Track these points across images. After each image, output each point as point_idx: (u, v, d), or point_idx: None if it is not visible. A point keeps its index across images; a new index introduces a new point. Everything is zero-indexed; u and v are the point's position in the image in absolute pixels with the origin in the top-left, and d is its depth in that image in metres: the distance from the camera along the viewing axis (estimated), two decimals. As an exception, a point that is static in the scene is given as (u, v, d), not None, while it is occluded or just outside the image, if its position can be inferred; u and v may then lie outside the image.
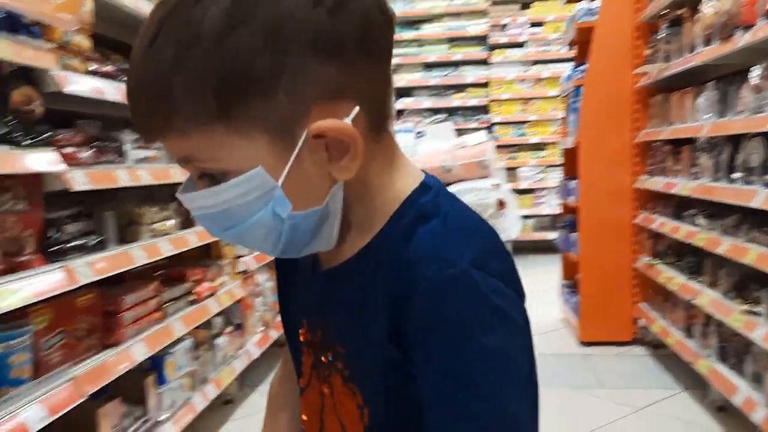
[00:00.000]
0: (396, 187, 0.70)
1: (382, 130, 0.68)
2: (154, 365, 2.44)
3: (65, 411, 1.77)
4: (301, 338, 0.84)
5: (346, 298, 0.72)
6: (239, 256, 3.48)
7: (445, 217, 0.66)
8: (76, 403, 1.83)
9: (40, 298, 1.74)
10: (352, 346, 0.72)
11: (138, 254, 2.29)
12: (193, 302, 2.83)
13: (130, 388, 2.29)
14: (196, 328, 2.83)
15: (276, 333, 3.89)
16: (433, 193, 0.69)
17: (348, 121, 0.62)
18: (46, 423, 1.68)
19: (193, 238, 2.76)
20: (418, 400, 0.63)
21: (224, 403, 3.23)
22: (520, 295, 0.66)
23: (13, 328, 1.73)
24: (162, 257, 2.49)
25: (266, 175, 0.62)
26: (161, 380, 2.44)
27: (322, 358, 0.79)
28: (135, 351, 2.23)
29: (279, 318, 3.96)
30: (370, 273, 0.68)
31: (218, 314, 3.11)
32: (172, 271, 2.82)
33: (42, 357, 1.85)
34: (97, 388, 1.95)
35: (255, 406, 3.31)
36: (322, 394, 0.80)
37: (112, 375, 2.06)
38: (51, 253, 1.92)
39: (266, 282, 3.87)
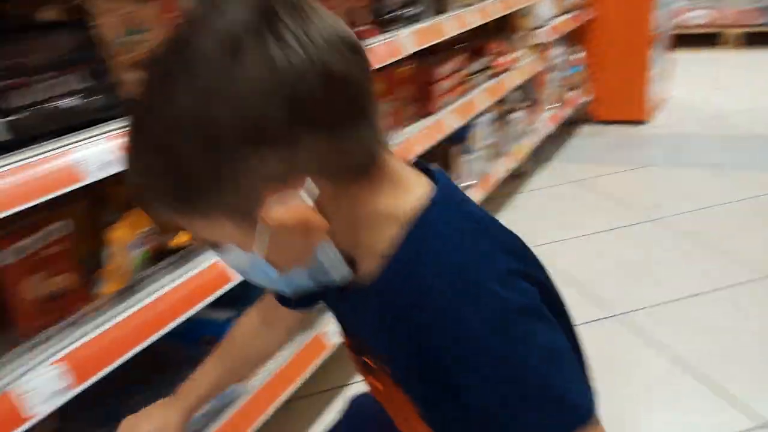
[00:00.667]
0: (400, 210, 0.67)
1: (364, 170, 0.64)
2: (461, 135, 2.58)
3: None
4: (346, 344, 0.88)
5: (368, 320, 0.73)
6: (535, 28, 3.32)
7: (453, 231, 0.66)
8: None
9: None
10: (392, 364, 0.73)
11: (450, 25, 2.29)
12: (492, 76, 2.84)
13: (440, 158, 2.47)
14: (495, 102, 2.87)
15: (568, 110, 3.80)
16: (438, 209, 0.67)
17: (305, 198, 0.60)
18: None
19: (497, 7, 2.67)
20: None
21: (517, 176, 3.36)
22: (537, 280, 0.67)
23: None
24: (469, 28, 2.47)
25: (239, 251, 0.65)
26: (467, 150, 2.58)
27: (365, 359, 0.82)
28: (446, 120, 2.37)
29: (570, 94, 3.84)
30: (386, 297, 0.67)
31: (515, 89, 3.10)
32: (474, 44, 2.81)
33: (374, 122, 2.06)
34: (419, 153, 2.14)
35: (544, 180, 3.39)
36: (377, 387, 0.82)
37: (429, 142, 2.23)
38: (381, 23, 2.02)
39: (560, 56, 3.69)
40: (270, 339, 1.05)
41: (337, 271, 0.69)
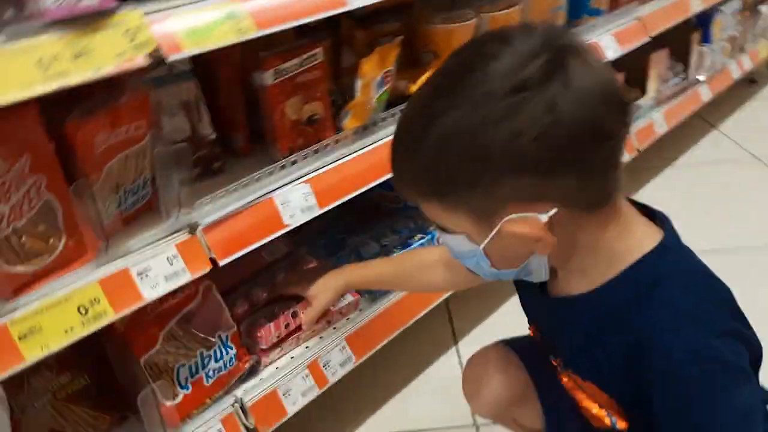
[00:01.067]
0: (628, 243, 0.74)
1: (599, 205, 0.72)
2: (702, 22, 2.28)
3: (631, 47, 1.82)
4: (530, 333, 0.98)
5: (575, 330, 0.81)
6: None
7: (679, 285, 0.72)
8: (641, 42, 1.86)
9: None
10: (581, 370, 0.82)
11: None
12: (747, -43, 2.45)
13: (677, 44, 2.21)
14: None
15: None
16: (670, 257, 0.74)
17: (543, 218, 0.68)
18: (618, 55, 1.76)
19: None
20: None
21: (749, 81, 2.96)
22: (746, 339, 0.71)
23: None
24: None
25: (468, 243, 0.75)
26: (706, 39, 2.29)
27: (552, 361, 0.90)
28: (691, 1, 2.09)
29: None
30: (600, 319, 0.76)
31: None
32: None
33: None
34: (653, 34, 1.94)
35: (781, 90, 2.96)
36: (563, 378, 0.88)
37: (669, 22, 2.00)
38: None
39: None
40: (442, 278, 1.13)
41: (538, 277, 0.79)
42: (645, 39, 1.89)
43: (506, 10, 1.49)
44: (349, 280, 1.21)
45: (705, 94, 2.34)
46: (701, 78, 2.30)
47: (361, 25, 1.43)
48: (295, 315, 1.22)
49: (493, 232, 0.70)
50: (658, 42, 2.17)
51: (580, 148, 0.65)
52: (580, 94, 0.63)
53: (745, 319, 0.73)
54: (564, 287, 0.81)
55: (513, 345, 1.09)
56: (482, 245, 0.73)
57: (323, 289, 1.20)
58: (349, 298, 1.34)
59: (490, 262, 0.76)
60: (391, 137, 0.76)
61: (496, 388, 1.06)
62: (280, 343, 1.22)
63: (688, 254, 0.77)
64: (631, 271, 0.73)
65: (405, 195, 0.77)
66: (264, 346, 1.20)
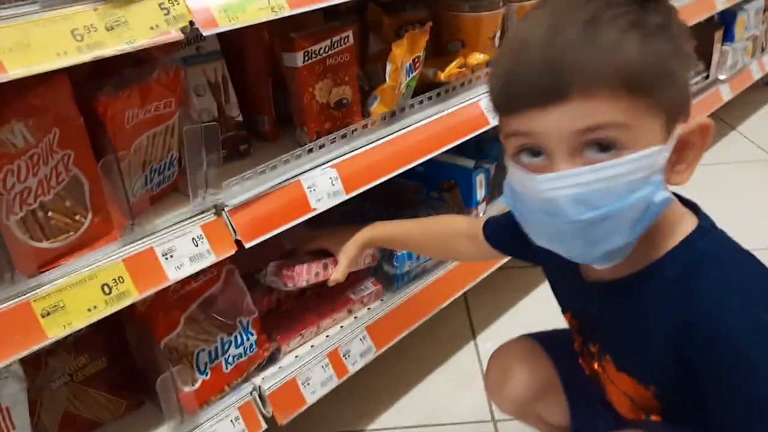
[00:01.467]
0: (669, 221, 0.74)
1: None
2: (724, 21, 2.26)
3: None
4: (567, 321, 0.94)
5: (621, 314, 0.79)
6: None
7: (727, 262, 0.72)
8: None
9: None
10: (624, 358, 0.81)
11: None
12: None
13: (700, 42, 2.18)
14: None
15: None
16: (712, 237, 0.75)
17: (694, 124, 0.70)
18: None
19: None
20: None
21: (766, 84, 2.93)
22: None
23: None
24: None
25: (659, 157, 0.67)
26: (729, 37, 2.26)
27: (591, 348, 0.88)
28: (716, 0, 2.07)
29: None
30: (647, 300, 0.75)
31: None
32: None
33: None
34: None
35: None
36: (595, 369, 0.88)
37: (694, 18, 1.97)
38: None
39: None
40: (462, 248, 1.12)
41: (626, 250, 0.73)
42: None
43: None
44: (374, 235, 1.16)
45: (726, 93, 2.32)
46: (722, 77, 2.28)
47: (387, 11, 1.40)
48: (326, 267, 1.18)
49: (676, 134, 0.67)
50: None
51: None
52: None
53: None
54: (603, 272, 0.78)
55: (538, 337, 1.07)
56: (665, 156, 0.67)
57: (349, 242, 1.15)
58: (371, 287, 1.32)
59: (667, 191, 0.69)
60: (549, 45, 0.64)
61: (521, 382, 1.03)
62: (299, 330, 1.20)
63: (725, 235, 0.76)
64: (677, 252, 0.72)
65: (589, 102, 0.64)
66: (291, 286, 1.15)
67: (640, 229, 0.69)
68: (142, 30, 0.83)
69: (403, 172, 1.56)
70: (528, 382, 1.03)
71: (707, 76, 2.24)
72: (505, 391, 1.05)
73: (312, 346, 1.21)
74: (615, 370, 0.82)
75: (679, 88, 0.68)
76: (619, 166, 0.65)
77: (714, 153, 2.42)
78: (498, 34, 1.43)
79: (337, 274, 1.14)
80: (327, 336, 1.24)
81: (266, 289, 1.22)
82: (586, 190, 0.66)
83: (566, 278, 0.85)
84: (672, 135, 0.68)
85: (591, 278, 0.82)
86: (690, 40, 0.70)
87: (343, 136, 1.18)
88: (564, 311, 0.95)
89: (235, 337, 1.09)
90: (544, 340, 1.06)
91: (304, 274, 1.15)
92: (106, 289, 0.88)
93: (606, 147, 0.65)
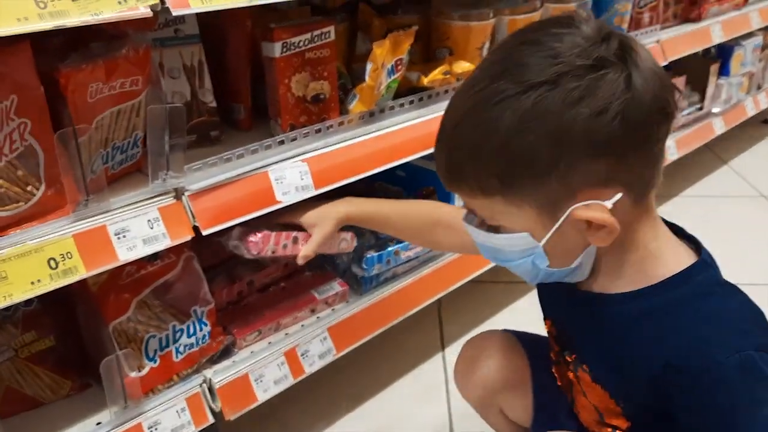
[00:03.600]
0: (662, 248, 0.75)
1: (644, 198, 0.72)
2: (721, 55, 2.26)
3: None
4: (547, 329, 0.94)
5: (601, 330, 0.79)
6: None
7: (723, 299, 0.73)
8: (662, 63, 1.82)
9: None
10: (600, 370, 0.80)
11: None
12: (774, -5, 2.42)
13: (695, 74, 2.18)
14: (765, 29, 2.47)
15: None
16: (710, 272, 0.75)
17: (609, 204, 0.68)
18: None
19: None
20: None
21: (763, 122, 2.93)
22: None
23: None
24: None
25: (531, 239, 0.72)
26: (725, 72, 2.26)
27: (567, 357, 0.87)
28: (712, 31, 2.06)
29: None
30: (633, 321, 0.75)
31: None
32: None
33: (635, 13, 1.84)
34: (670, 59, 1.91)
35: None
36: (569, 378, 0.87)
37: (689, 49, 1.97)
38: None
39: None
40: (441, 237, 1.10)
41: (581, 275, 0.77)
42: (662, 63, 1.85)
43: (527, 14, 1.46)
44: (352, 212, 1.11)
45: (718, 126, 2.31)
46: (716, 110, 2.27)
47: (379, 13, 1.39)
48: (295, 241, 1.10)
49: (560, 221, 0.68)
50: (677, 70, 2.15)
51: (650, 126, 0.66)
52: (648, 73, 0.65)
53: None
54: (594, 284, 0.79)
55: (519, 335, 1.06)
56: (545, 239, 0.70)
57: (323, 218, 1.10)
58: (337, 287, 1.29)
59: (548, 260, 0.73)
60: (440, 132, 0.71)
61: (494, 367, 1.02)
62: (258, 326, 1.18)
63: (720, 273, 0.77)
64: (673, 282, 0.73)
65: (461, 191, 0.73)
66: (255, 254, 1.07)
67: (545, 277, 0.76)
68: (109, 3, 0.81)
69: (385, 177, 1.55)
70: (500, 370, 1.02)
71: (701, 108, 2.23)
72: (476, 373, 1.04)
73: (269, 343, 1.19)
74: (590, 379, 0.81)
75: (552, 180, 0.65)
76: (496, 240, 0.74)
77: (704, 186, 2.41)
78: (487, 45, 1.42)
79: (307, 249, 1.09)
80: (286, 334, 1.21)
81: (228, 281, 1.20)
82: (483, 245, 0.78)
83: (555, 286, 0.83)
84: (561, 215, 0.68)
85: (581, 288, 0.81)
86: (607, 113, 0.63)
87: (318, 131, 1.17)
88: (545, 318, 0.94)
89: (188, 327, 1.07)
90: (525, 339, 1.06)
91: (271, 243, 1.07)
92: (53, 264, 0.86)
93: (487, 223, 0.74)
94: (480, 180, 0.68)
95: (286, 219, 1.13)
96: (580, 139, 0.63)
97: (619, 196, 0.67)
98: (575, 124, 0.63)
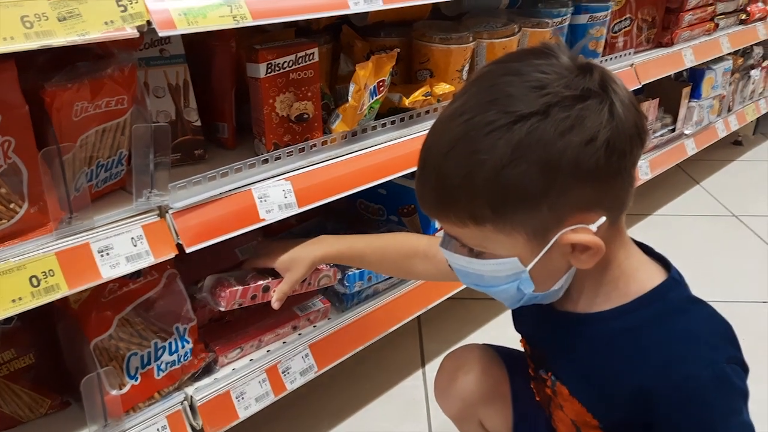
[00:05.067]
0: (635, 266, 0.78)
1: (618, 219, 0.75)
2: (693, 78, 2.33)
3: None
4: (522, 346, 0.97)
5: (577, 349, 0.81)
6: (802, -20, 2.87)
7: (693, 315, 0.75)
8: (631, 89, 1.88)
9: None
10: (576, 387, 0.82)
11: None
12: (742, 22, 2.50)
13: (668, 97, 2.25)
14: (735, 53, 2.55)
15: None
16: (681, 289, 0.78)
17: (594, 227, 0.70)
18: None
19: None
20: None
21: (733, 143, 3.01)
22: (745, 369, 0.74)
23: (597, 1, 1.77)
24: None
25: (518, 264, 0.73)
26: (696, 95, 2.33)
27: (542, 375, 0.89)
28: (684, 55, 2.13)
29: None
30: (609, 340, 0.77)
31: (759, 43, 2.73)
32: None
33: (609, 38, 1.90)
34: (644, 82, 1.96)
35: (764, 153, 3.01)
36: (547, 393, 0.89)
37: (661, 73, 2.03)
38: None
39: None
40: (419, 268, 1.12)
41: (555, 296, 0.79)
42: (636, 86, 1.91)
43: (505, 38, 1.50)
44: (326, 253, 1.14)
45: (690, 147, 2.37)
46: (688, 132, 2.34)
47: (362, 35, 1.42)
48: (266, 289, 1.13)
49: (548, 246, 0.70)
50: (650, 93, 2.21)
51: (630, 152, 0.69)
52: (627, 102, 0.69)
53: (741, 348, 0.76)
54: (569, 304, 0.81)
55: (499, 350, 1.08)
56: (532, 263, 0.72)
57: (297, 261, 1.12)
58: (319, 305, 1.30)
59: (533, 285, 0.74)
60: (424, 161, 0.72)
61: (473, 380, 1.04)
62: (239, 343, 1.18)
63: (689, 290, 0.80)
64: (646, 300, 0.76)
65: (448, 220, 0.72)
66: (223, 307, 1.10)
67: (528, 302, 0.78)
68: (95, 24, 0.82)
69: (367, 195, 1.57)
70: (479, 383, 1.03)
71: (673, 130, 2.29)
72: (456, 386, 1.05)
73: (251, 360, 1.19)
74: (567, 393, 0.83)
75: (543, 207, 0.67)
76: (479, 266, 0.75)
77: (676, 205, 2.47)
78: (466, 68, 1.46)
79: (277, 295, 1.12)
80: (268, 351, 1.22)
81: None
82: (464, 270, 0.78)
83: (532, 306, 0.84)
84: (550, 241, 0.70)
85: (556, 308, 0.83)
86: (593, 145, 0.66)
87: (301, 150, 1.18)
88: (521, 336, 0.96)
89: (170, 344, 1.07)
90: (504, 353, 1.08)
91: (237, 297, 1.11)
92: (35, 281, 0.86)
93: (472, 249, 0.75)
94: (472, 209, 0.69)
95: (260, 263, 1.16)
96: (570, 167, 0.65)
97: (603, 219, 0.70)
98: (566, 153, 0.65)
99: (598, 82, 0.67)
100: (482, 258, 0.74)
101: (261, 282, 1.13)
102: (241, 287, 1.11)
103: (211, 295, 1.12)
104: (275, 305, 1.12)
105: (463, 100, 0.71)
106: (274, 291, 1.13)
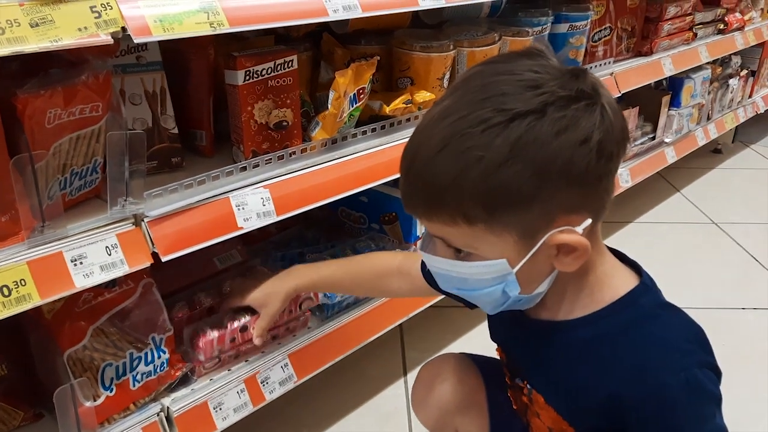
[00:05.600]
0: (609, 271, 0.78)
1: (597, 224, 0.75)
2: (672, 87, 2.35)
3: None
4: (498, 354, 0.97)
5: (551, 358, 0.81)
6: (778, -9, 2.92)
7: (666, 320, 0.75)
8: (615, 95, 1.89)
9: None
10: (552, 395, 0.82)
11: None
12: (720, 31, 2.54)
13: (648, 105, 2.27)
14: (713, 62, 2.59)
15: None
16: (652, 295, 0.78)
17: (580, 230, 0.70)
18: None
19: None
20: None
21: (713, 151, 3.05)
22: (718, 373, 0.74)
23: (577, 10, 1.79)
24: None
25: (506, 266, 0.72)
26: (676, 103, 2.35)
27: (519, 383, 0.89)
28: (663, 65, 2.16)
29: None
30: (583, 347, 0.77)
31: (737, 53, 2.77)
32: (708, -8, 2.53)
33: (589, 47, 1.91)
34: (624, 91, 1.98)
35: (743, 161, 3.05)
36: (523, 401, 0.90)
37: (641, 82, 2.05)
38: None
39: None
40: (394, 286, 1.12)
41: (533, 301, 0.78)
42: (616, 95, 1.92)
43: (486, 47, 1.50)
44: (300, 284, 1.14)
45: (670, 155, 2.40)
46: (668, 140, 2.36)
47: (342, 43, 1.42)
48: (244, 329, 1.15)
49: (538, 246, 0.70)
50: (630, 101, 2.23)
51: (617, 154, 0.70)
52: (613, 105, 0.69)
53: (713, 353, 0.76)
54: (544, 312, 0.81)
55: (475, 358, 1.08)
56: (519, 265, 0.71)
57: (271, 295, 1.13)
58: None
59: (519, 288, 0.73)
60: (412, 162, 0.71)
61: (449, 389, 1.03)
62: (223, 352, 1.16)
63: (662, 295, 0.80)
64: (618, 307, 0.76)
65: (437, 219, 0.71)
66: (202, 358, 1.13)
67: (511, 305, 0.77)
68: (69, 30, 0.81)
69: (348, 202, 1.56)
70: (455, 392, 1.03)
71: (653, 138, 2.31)
72: (433, 395, 1.05)
73: (229, 370, 1.18)
74: (543, 401, 0.83)
75: (534, 207, 0.67)
76: (467, 268, 0.74)
77: (656, 212, 2.49)
78: (447, 76, 1.46)
79: (257, 332, 1.14)
80: (246, 361, 1.21)
81: (188, 307, 1.19)
82: (447, 274, 0.77)
83: (507, 314, 0.84)
84: (538, 241, 0.70)
85: (531, 316, 0.83)
86: (585, 146, 0.66)
87: (280, 158, 1.18)
88: (497, 345, 0.96)
89: (146, 354, 1.05)
90: (481, 361, 1.08)
91: (216, 345, 1.13)
92: (5, 291, 0.84)
93: (458, 250, 0.74)
94: (464, 208, 0.68)
95: (235, 303, 1.18)
96: (563, 167, 0.66)
97: (588, 221, 0.70)
98: (561, 153, 0.65)
99: (590, 85, 0.68)
100: (468, 260, 0.73)
101: (237, 323, 1.15)
102: (217, 334, 1.13)
103: (191, 347, 1.13)
104: (257, 341, 1.15)
105: (450, 100, 0.70)
106: (253, 328, 1.15)
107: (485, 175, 0.65)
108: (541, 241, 0.70)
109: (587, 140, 0.65)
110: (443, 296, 1.57)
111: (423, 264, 1.05)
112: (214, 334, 1.13)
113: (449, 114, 0.68)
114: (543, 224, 0.69)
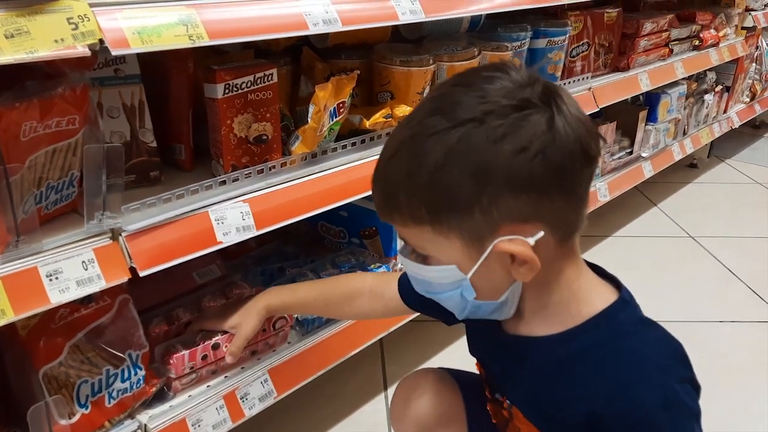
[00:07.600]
0: (587, 288, 0.78)
1: (568, 239, 0.75)
2: (649, 102, 2.39)
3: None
4: (476, 369, 0.98)
5: (528, 374, 0.81)
6: (750, 10, 3.00)
7: (643, 337, 0.76)
8: (589, 112, 1.92)
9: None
10: (530, 411, 0.82)
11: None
12: (696, 48, 2.59)
13: (625, 120, 2.31)
14: (689, 78, 2.64)
15: (760, 108, 3.43)
16: (631, 310, 0.78)
17: (531, 241, 0.70)
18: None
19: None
20: None
21: (688, 166, 3.10)
22: (697, 387, 0.74)
23: (555, 26, 1.81)
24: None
25: (458, 271, 0.74)
26: (652, 118, 2.39)
27: (498, 398, 0.90)
28: (640, 80, 2.19)
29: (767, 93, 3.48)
30: (560, 364, 0.77)
31: (712, 69, 2.83)
32: (683, 11, 2.58)
33: (567, 62, 1.94)
34: (601, 106, 2.01)
35: (718, 176, 3.10)
36: (503, 415, 0.90)
37: (618, 97, 2.08)
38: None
39: (765, 47, 3.32)
40: (366, 308, 1.13)
41: (507, 313, 0.79)
42: (594, 109, 1.95)
43: (465, 61, 1.52)
44: (270, 305, 1.16)
45: (647, 170, 2.43)
46: (645, 154, 2.40)
47: (323, 57, 1.42)
48: (216, 347, 1.14)
49: (486, 253, 0.71)
50: (608, 116, 2.26)
51: (571, 167, 0.69)
52: (570, 118, 0.68)
53: (692, 367, 0.76)
54: (521, 327, 0.81)
55: (454, 373, 1.08)
56: (472, 271, 0.73)
57: (245, 316, 1.14)
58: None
59: (475, 293, 0.75)
60: (376, 165, 0.75)
61: (428, 404, 1.03)
62: (196, 370, 1.15)
63: (640, 310, 0.80)
64: (596, 322, 0.76)
65: (394, 221, 0.75)
66: (173, 375, 1.12)
67: (473, 310, 0.78)
68: (45, 42, 0.81)
69: (328, 217, 1.56)
70: (435, 407, 1.03)
71: (630, 152, 2.35)
72: (410, 410, 1.04)
73: (208, 386, 1.16)
74: (523, 416, 0.83)
75: (476, 213, 0.68)
76: (425, 272, 0.77)
77: (634, 226, 2.52)
78: (427, 90, 1.47)
79: (232, 348, 1.14)
80: (225, 376, 1.19)
81: (165, 323, 1.17)
82: (414, 277, 0.80)
83: (485, 329, 0.86)
84: (486, 248, 0.71)
85: (509, 331, 0.83)
86: (532, 150, 0.66)
87: (260, 172, 1.17)
88: (476, 360, 0.96)
89: (123, 371, 1.04)
90: (460, 377, 1.07)
91: (187, 362, 1.12)
92: (-22, 307, 0.82)
93: (419, 254, 0.77)
94: (411, 209, 0.71)
95: (207, 326, 1.18)
96: (501, 174, 0.66)
97: (541, 234, 0.70)
98: (497, 161, 0.66)
99: (539, 95, 0.68)
100: (427, 264, 0.76)
101: (209, 341, 1.15)
102: (188, 351, 1.12)
103: (162, 364, 1.12)
104: (229, 359, 1.15)
105: (416, 109, 0.75)
106: (225, 346, 1.15)
107: (427, 179, 0.68)
108: (490, 248, 0.70)
109: (525, 149, 0.66)
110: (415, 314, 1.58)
111: (400, 287, 1.06)
112: (185, 352, 1.12)
113: (408, 122, 0.73)
114: (487, 230, 0.70)
